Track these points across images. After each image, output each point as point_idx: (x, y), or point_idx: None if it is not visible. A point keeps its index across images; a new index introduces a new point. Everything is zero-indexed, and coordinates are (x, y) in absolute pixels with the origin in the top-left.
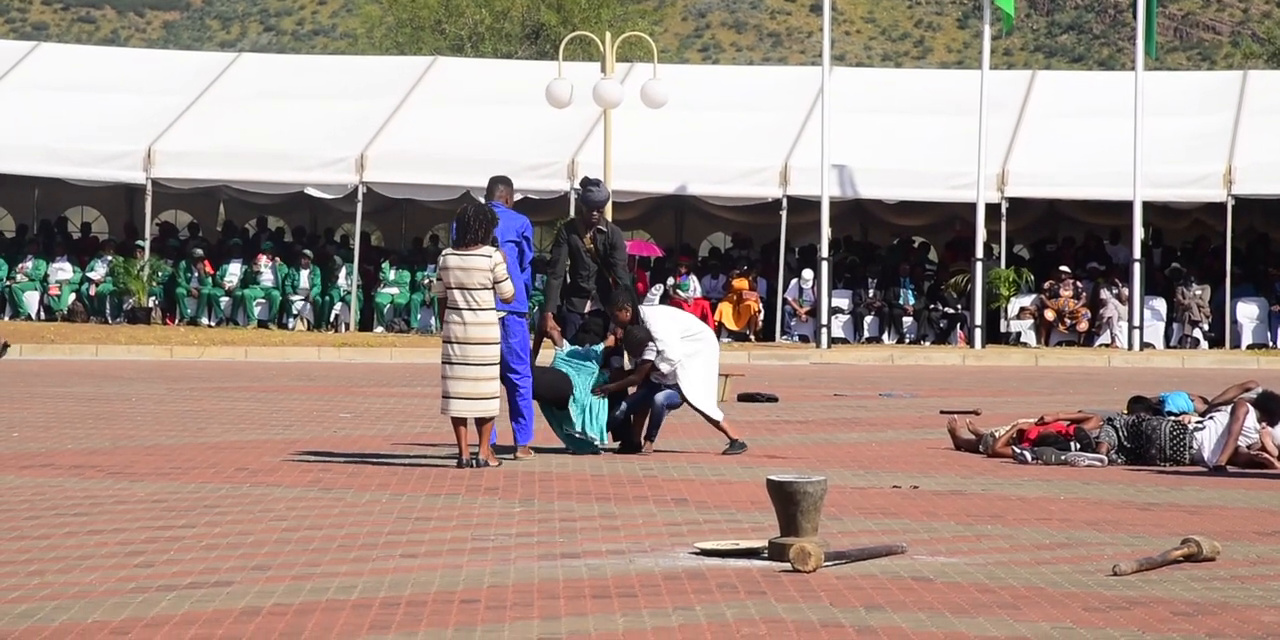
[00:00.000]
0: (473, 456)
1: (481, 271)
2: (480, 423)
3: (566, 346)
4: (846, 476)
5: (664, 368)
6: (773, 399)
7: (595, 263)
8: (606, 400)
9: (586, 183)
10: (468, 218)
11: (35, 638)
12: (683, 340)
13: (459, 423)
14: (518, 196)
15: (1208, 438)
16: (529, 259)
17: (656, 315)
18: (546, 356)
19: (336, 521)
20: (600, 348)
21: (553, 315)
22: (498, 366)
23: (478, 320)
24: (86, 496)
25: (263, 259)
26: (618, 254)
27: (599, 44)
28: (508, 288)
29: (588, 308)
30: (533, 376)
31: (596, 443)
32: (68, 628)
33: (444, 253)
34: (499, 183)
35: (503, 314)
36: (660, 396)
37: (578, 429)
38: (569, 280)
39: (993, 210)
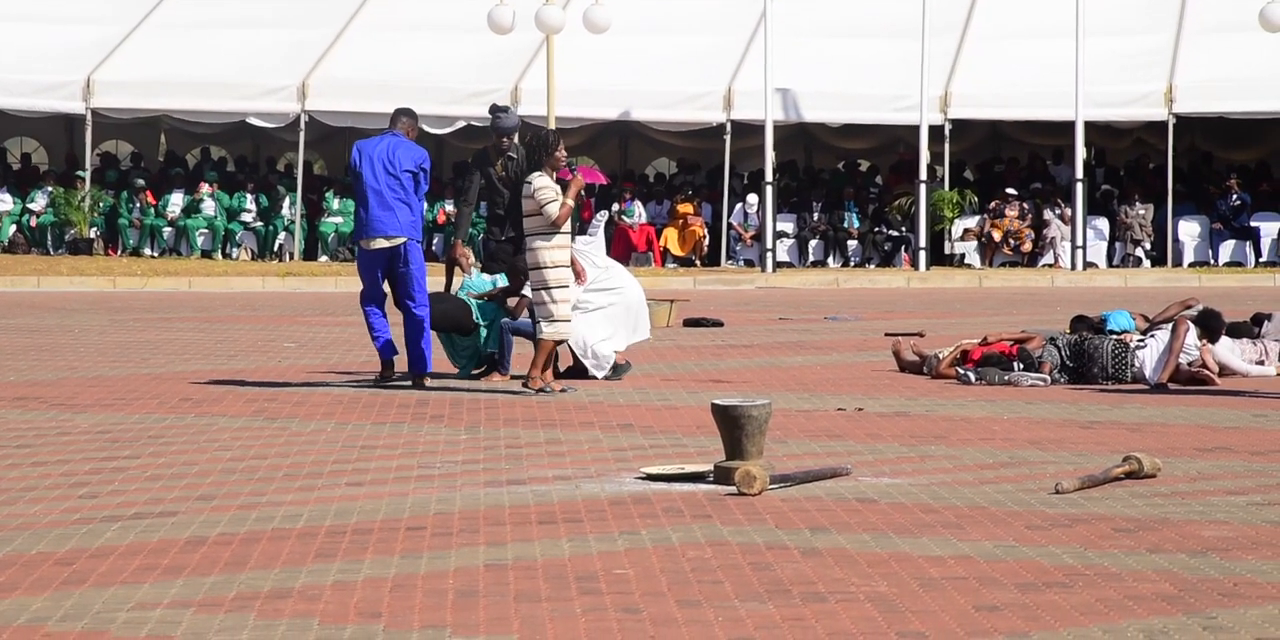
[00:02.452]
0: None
1: (528, 199)
2: (535, 343)
3: (475, 275)
4: (791, 400)
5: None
6: (718, 324)
7: (507, 190)
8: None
9: (495, 109)
10: (527, 144)
11: None
12: (589, 293)
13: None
14: (459, 124)
15: (1149, 356)
16: (424, 190)
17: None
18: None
19: (282, 451)
20: (497, 280)
21: (462, 242)
22: (564, 290)
23: (532, 245)
24: (30, 428)
25: (204, 188)
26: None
27: None
28: (551, 209)
29: (502, 236)
30: (440, 302)
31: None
32: (12, 559)
33: None
34: (401, 114)
35: (402, 239)
36: (511, 322)
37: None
38: (487, 209)
39: (936, 132)
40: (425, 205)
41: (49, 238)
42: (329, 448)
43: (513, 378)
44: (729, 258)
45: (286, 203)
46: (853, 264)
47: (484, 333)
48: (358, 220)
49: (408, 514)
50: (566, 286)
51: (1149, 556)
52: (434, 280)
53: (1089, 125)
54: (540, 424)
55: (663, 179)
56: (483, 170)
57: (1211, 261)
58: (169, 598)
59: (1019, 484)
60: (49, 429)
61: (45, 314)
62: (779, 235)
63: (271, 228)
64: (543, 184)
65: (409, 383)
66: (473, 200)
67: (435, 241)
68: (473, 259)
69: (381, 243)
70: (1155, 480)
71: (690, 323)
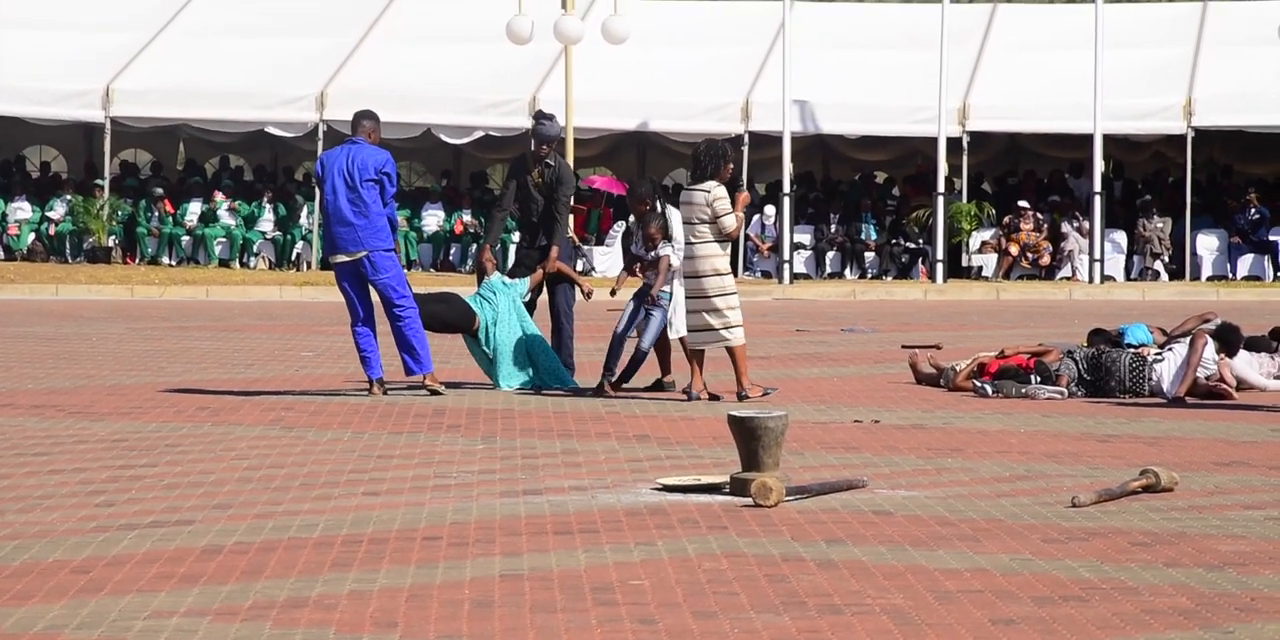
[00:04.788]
0: (740, 393)
1: (700, 206)
2: (731, 353)
3: (494, 277)
4: (808, 411)
5: (674, 261)
6: None
7: (542, 196)
8: (522, 347)
9: (540, 116)
10: (699, 153)
11: None
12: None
13: (693, 357)
14: (477, 134)
15: (1167, 369)
16: (390, 194)
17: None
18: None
19: (298, 460)
20: (525, 281)
21: (490, 248)
22: (734, 297)
23: (699, 253)
24: (47, 436)
25: (219, 196)
26: (563, 189)
27: None
28: (728, 222)
29: (534, 244)
30: (434, 303)
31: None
32: (29, 567)
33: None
34: (364, 118)
35: (361, 253)
36: (648, 337)
37: (522, 381)
38: (520, 217)
39: (954, 144)
40: (396, 207)
41: (67, 246)
42: (345, 457)
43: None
44: (746, 269)
45: (304, 212)
46: (870, 276)
47: (501, 342)
48: (324, 235)
49: (424, 524)
50: (715, 297)
51: (1166, 571)
52: (431, 287)
53: (1107, 138)
54: (556, 434)
55: (680, 190)
56: (518, 177)
57: (1230, 275)
58: (185, 606)
59: (1035, 497)
60: (66, 437)
61: (63, 322)
62: (796, 246)
63: (289, 237)
64: (722, 194)
65: (424, 391)
66: (507, 206)
67: (453, 251)
68: (496, 263)
69: (342, 257)
70: (1172, 494)
71: None
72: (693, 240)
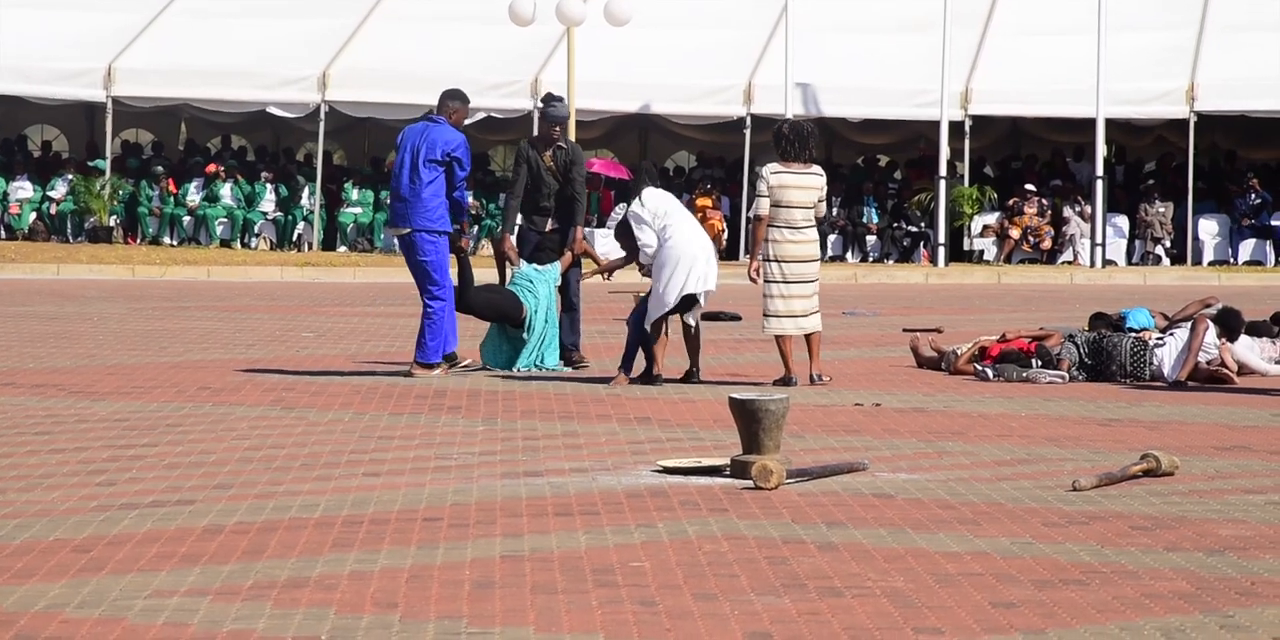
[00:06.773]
0: (814, 376)
1: (818, 190)
2: (809, 337)
3: (524, 266)
4: (809, 394)
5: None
6: (736, 318)
7: (556, 181)
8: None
9: (549, 98)
10: (806, 133)
11: None
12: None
13: (786, 341)
14: (479, 115)
15: (1168, 354)
16: (460, 178)
17: (645, 199)
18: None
19: (299, 440)
20: (556, 265)
21: (510, 235)
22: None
23: (809, 238)
24: (48, 415)
25: (212, 168)
26: (577, 170)
27: None
28: (822, 208)
29: (548, 226)
30: (489, 292)
31: (548, 369)
32: (29, 546)
33: (772, 170)
34: (450, 98)
35: (407, 230)
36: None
37: (528, 362)
38: (529, 199)
39: (956, 128)
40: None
41: (69, 225)
42: (346, 437)
43: (631, 381)
44: (747, 252)
45: (305, 193)
46: (871, 259)
47: (538, 329)
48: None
49: (424, 505)
50: (813, 283)
51: (1166, 555)
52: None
53: (1110, 123)
54: (557, 416)
55: (682, 172)
56: (529, 161)
57: (1231, 260)
58: (186, 585)
59: (1036, 481)
60: (67, 416)
61: (65, 301)
62: None
63: (290, 218)
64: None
65: (447, 373)
66: (519, 192)
67: None
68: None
69: (394, 231)
70: (1173, 478)
71: (708, 316)
72: (804, 224)
